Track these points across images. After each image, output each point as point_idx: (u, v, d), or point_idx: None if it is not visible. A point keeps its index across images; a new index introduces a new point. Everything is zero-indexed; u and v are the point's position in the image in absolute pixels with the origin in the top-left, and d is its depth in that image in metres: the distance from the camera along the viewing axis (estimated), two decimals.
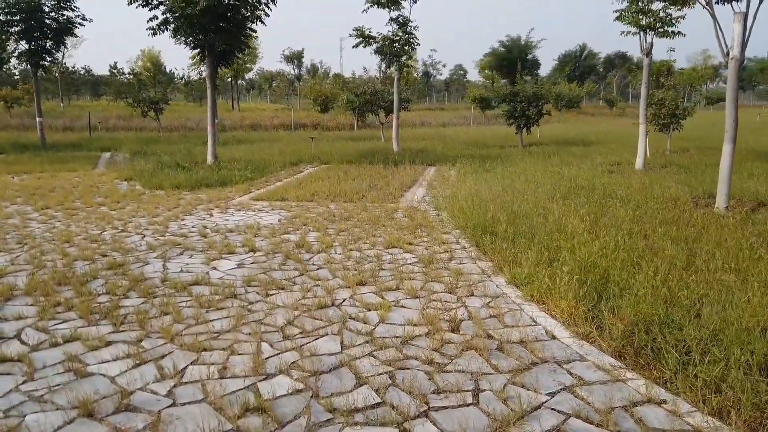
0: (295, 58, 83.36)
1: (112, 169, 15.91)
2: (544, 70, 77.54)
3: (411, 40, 20.28)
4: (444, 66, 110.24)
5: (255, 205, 10.30)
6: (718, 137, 25.23)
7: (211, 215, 9.42)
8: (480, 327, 4.53)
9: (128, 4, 15.37)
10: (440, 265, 6.32)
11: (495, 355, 4.05)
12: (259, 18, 15.86)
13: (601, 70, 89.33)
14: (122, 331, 4.54)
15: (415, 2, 19.86)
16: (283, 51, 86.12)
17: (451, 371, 3.81)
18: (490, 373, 3.77)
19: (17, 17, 21.13)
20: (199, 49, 16.41)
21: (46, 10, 21.57)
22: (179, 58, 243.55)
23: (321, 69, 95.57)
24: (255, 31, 16.55)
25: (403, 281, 5.72)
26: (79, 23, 22.40)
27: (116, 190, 11.84)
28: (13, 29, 21.45)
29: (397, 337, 4.38)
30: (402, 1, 19.60)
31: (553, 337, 4.34)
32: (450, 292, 5.42)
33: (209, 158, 16.06)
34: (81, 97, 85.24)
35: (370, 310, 4.95)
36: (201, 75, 60.05)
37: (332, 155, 18.15)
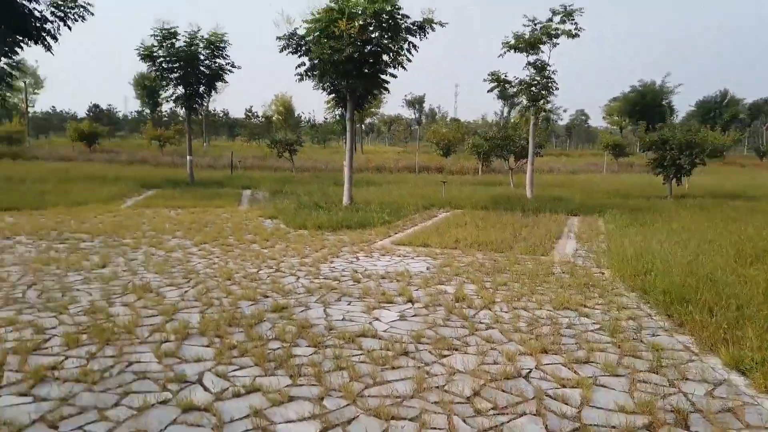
0: (416, 102, 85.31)
1: (255, 206, 16.62)
2: (679, 117, 72.35)
3: (549, 84, 19.67)
4: (565, 111, 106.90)
5: (398, 250, 10.04)
6: None
7: (358, 259, 9.27)
8: (716, 425, 3.72)
9: (279, 52, 16.35)
10: (630, 335, 5.52)
11: None
12: (401, 63, 16.09)
13: (745, 117, 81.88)
14: (301, 384, 4.28)
15: (554, 46, 19.41)
16: (405, 96, 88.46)
17: None
18: None
19: (177, 64, 23.37)
20: (334, 94, 17.05)
21: (202, 58, 23.67)
22: (305, 102, 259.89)
23: (439, 113, 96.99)
24: (395, 76, 16.80)
25: (593, 352, 5.02)
26: (229, 70, 24.32)
27: (263, 228, 12.20)
28: (172, 75, 23.75)
29: (614, 427, 3.70)
30: (541, 46, 19.19)
31: None
32: (656, 372, 4.63)
33: (345, 199, 16.27)
34: (218, 138, 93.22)
35: (566, 387, 4.32)
36: (327, 119, 63.27)
37: (463, 200, 17.70)
